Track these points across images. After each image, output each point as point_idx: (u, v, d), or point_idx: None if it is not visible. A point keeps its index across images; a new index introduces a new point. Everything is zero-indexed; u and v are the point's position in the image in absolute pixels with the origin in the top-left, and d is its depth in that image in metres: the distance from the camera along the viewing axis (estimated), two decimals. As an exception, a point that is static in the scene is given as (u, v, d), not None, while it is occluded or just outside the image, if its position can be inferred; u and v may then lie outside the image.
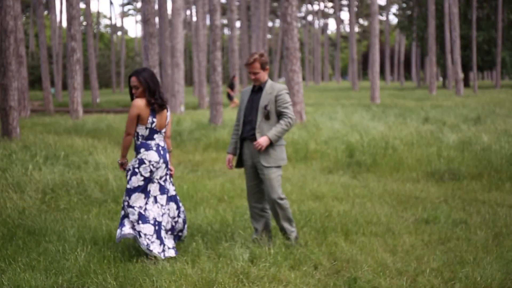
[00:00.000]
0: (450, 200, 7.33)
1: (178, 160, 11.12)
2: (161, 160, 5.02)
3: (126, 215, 4.96)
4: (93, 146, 10.98)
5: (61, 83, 40.25)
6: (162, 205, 5.04)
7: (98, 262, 4.69)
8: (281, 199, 5.22)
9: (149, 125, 4.96)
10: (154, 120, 4.98)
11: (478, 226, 5.97)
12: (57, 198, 7.03)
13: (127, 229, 4.89)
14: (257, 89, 5.30)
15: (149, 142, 5.01)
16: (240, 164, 5.42)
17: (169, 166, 5.16)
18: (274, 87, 5.21)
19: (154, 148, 4.99)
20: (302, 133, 12.60)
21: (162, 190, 5.09)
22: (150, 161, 4.94)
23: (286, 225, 5.28)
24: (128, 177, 4.96)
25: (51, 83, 48.93)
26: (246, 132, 5.26)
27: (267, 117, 5.15)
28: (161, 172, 5.05)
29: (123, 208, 5.00)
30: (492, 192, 7.84)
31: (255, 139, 5.17)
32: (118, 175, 8.10)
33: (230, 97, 25.62)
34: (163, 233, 5.01)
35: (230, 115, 18.90)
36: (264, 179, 5.19)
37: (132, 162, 4.99)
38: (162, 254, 4.88)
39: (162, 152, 5.03)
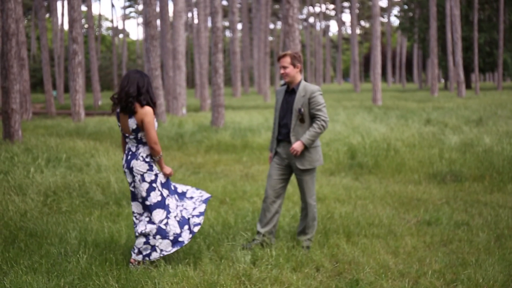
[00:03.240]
0: (452, 202, 7.32)
1: (180, 162, 11.13)
2: (124, 165, 4.81)
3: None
4: (95, 148, 10.99)
5: (63, 86, 40.34)
6: (133, 212, 4.85)
7: (100, 264, 4.68)
8: (314, 201, 5.31)
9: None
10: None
11: (480, 228, 5.97)
12: (59, 201, 7.03)
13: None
14: (291, 91, 5.25)
15: None
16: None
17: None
18: (307, 89, 5.15)
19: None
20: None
21: (133, 197, 4.85)
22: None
23: (311, 230, 5.32)
24: None
25: (53, 85, 49.13)
26: (282, 135, 5.27)
27: (302, 120, 5.13)
28: (128, 178, 4.81)
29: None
30: (494, 194, 7.83)
31: (290, 142, 5.18)
32: (119, 177, 8.10)
33: None
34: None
35: (232, 117, 18.91)
36: (300, 181, 5.25)
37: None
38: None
39: (126, 157, 4.81)
